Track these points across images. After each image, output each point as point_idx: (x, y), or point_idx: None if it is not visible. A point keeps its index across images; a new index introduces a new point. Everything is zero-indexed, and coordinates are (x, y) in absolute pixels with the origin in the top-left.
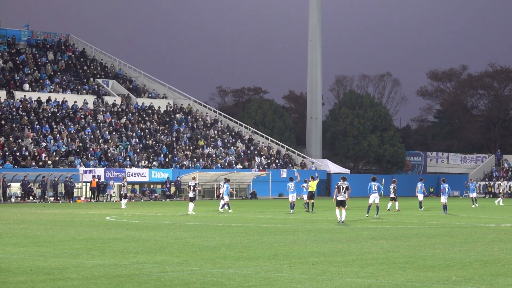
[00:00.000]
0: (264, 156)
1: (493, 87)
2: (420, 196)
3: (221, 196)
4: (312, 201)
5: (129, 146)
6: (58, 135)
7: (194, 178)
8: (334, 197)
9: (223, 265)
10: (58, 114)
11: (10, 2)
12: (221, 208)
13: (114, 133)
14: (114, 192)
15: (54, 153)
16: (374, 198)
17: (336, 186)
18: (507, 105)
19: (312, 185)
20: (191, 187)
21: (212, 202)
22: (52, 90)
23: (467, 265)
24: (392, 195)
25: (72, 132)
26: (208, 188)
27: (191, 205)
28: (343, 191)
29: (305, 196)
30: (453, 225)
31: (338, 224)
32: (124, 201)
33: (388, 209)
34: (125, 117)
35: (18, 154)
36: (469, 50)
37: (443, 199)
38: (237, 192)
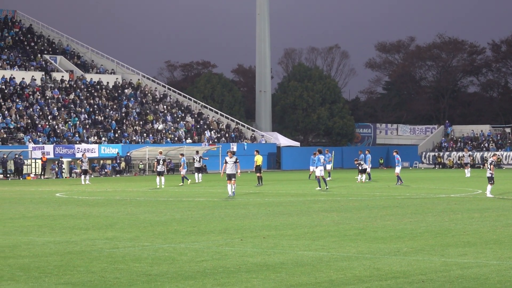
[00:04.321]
0: (214, 130)
1: (441, 58)
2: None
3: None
4: (259, 174)
5: (78, 122)
6: (6, 112)
7: (161, 153)
8: (222, 171)
9: (174, 240)
10: (6, 91)
11: None
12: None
13: (62, 109)
14: (64, 169)
15: (3, 130)
16: (321, 170)
17: (224, 161)
18: (455, 76)
19: (258, 159)
20: (161, 161)
21: (170, 177)
22: None
23: (417, 236)
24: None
25: (20, 108)
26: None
27: (161, 179)
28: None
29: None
30: (403, 196)
31: (228, 199)
32: (86, 177)
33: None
34: (73, 93)
35: None
36: (417, 21)
37: (398, 170)
38: (188, 167)
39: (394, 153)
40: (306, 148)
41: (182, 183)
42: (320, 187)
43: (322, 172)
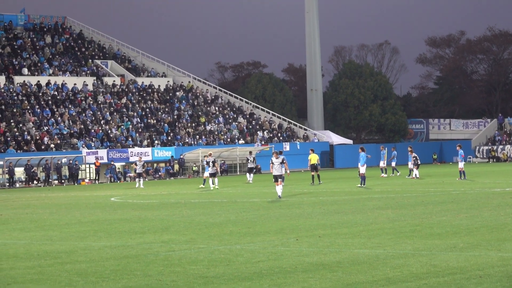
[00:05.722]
0: (266, 130)
1: (492, 51)
2: (410, 164)
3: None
4: (315, 173)
5: (131, 126)
6: (59, 118)
7: (210, 155)
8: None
9: (230, 242)
10: (58, 97)
11: None
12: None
13: (115, 113)
14: (121, 173)
15: (56, 136)
16: (365, 168)
17: (270, 162)
18: (506, 69)
19: (313, 158)
20: (210, 163)
21: (224, 178)
22: (51, 73)
23: (474, 231)
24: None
25: (73, 114)
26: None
27: (214, 180)
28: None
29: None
30: (458, 191)
31: (277, 200)
32: (140, 180)
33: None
34: (125, 97)
35: (20, 138)
36: (467, 15)
37: (461, 164)
38: (241, 167)
39: (458, 148)
40: (359, 145)
41: (203, 185)
42: (361, 184)
43: (365, 169)
